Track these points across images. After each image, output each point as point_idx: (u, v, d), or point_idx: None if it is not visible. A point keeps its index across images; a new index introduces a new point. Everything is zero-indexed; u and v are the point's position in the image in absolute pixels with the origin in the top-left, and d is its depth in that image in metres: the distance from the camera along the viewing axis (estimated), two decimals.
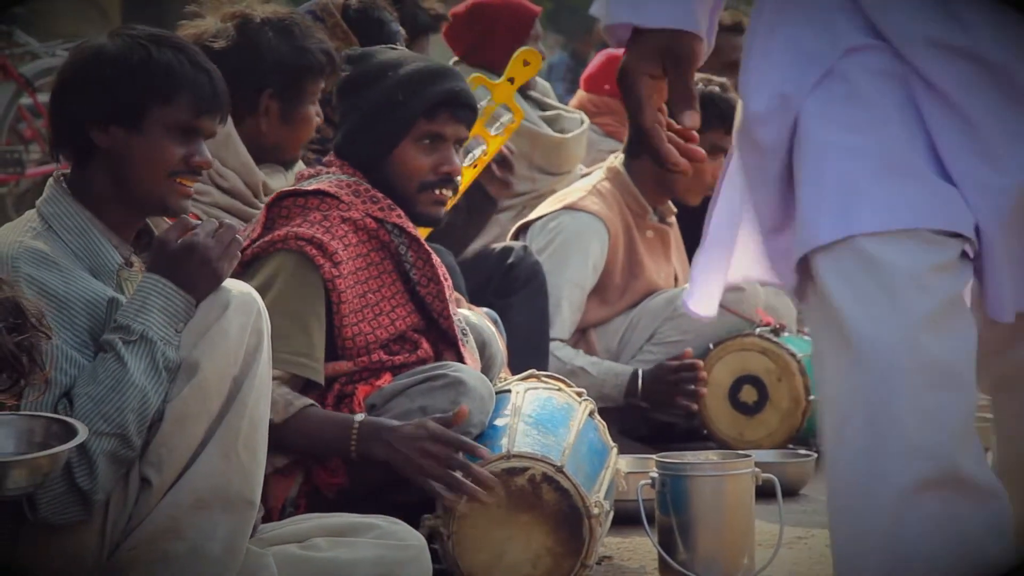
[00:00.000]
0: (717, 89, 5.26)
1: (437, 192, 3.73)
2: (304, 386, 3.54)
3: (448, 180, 3.74)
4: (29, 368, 2.66)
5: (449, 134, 3.72)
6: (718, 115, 5.12)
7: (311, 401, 3.50)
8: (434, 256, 3.72)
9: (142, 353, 2.90)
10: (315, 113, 4.00)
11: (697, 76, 5.29)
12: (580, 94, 7.18)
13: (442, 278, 3.70)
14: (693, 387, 5.05)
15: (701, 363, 5.07)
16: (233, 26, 3.96)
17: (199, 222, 3.05)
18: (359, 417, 3.48)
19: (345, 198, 3.64)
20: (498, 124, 4.87)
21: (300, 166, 4.10)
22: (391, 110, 3.69)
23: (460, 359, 3.67)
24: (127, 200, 3.09)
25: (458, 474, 3.36)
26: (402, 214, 3.68)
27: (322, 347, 3.55)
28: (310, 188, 3.66)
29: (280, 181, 4.00)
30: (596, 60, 7.19)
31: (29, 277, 2.91)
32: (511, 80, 4.75)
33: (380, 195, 3.68)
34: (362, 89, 3.74)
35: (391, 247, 3.67)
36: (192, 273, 2.97)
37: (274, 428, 3.15)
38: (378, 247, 3.66)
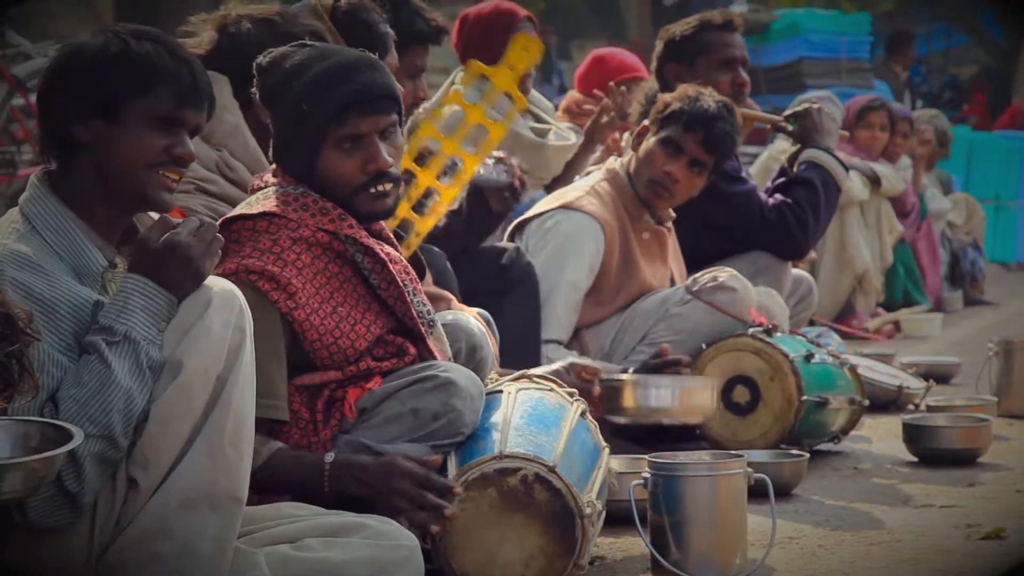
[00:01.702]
0: (712, 107, 5.25)
1: (373, 190, 3.61)
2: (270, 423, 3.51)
3: (381, 176, 3.60)
4: (19, 376, 2.66)
5: (367, 130, 3.58)
6: (704, 131, 5.17)
7: (279, 444, 3.48)
8: (390, 258, 3.63)
9: (126, 354, 2.89)
10: None
11: (696, 90, 5.32)
12: (570, 94, 7.19)
13: (400, 278, 3.63)
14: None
15: (686, 359, 5.06)
16: (214, 28, 3.97)
17: (180, 220, 3.04)
18: (329, 457, 3.45)
19: (293, 215, 3.56)
20: (496, 113, 4.86)
21: None
22: (300, 122, 3.57)
23: (428, 351, 3.65)
24: (109, 195, 3.09)
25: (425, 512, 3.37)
26: (354, 223, 3.60)
27: (283, 383, 3.50)
28: (256, 211, 3.57)
29: None
30: (585, 61, 7.19)
31: (15, 281, 2.90)
32: (511, 67, 4.72)
33: (329, 205, 3.59)
34: (272, 103, 3.63)
35: (347, 256, 3.60)
36: (174, 272, 2.97)
37: None
38: (334, 258, 3.60)
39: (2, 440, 2.59)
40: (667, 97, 5.36)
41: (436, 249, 4.90)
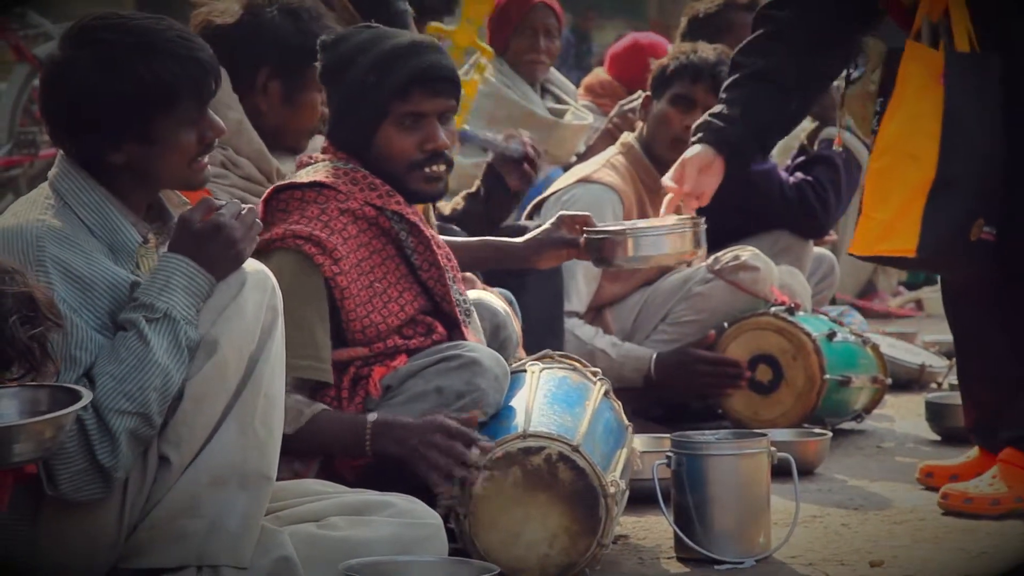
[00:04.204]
0: (711, 55, 5.26)
1: (428, 170, 3.66)
2: (314, 385, 3.53)
3: (437, 156, 3.66)
4: (41, 359, 2.67)
5: (428, 110, 3.64)
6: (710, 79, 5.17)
7: (322, 406, 3.50)
8: (434, 240, 3.68)
9: (165, 332, 2.90)
10: (321, 102, 3.91)
11: (690, 45, 5.33)
12: (597, 72, 7.15)
13: (443, 262, 3.67)
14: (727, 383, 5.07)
15: (743, 363, 5.06)
16: (240, 5, 3.95)
17: (223, 202, 3.04)
18: (372, 417, 3.48)
19: (343, 188, 3.60)
20: (467, 68, 4.83)
21: None
22: (364, 95, 3.62)
23: (463, 338, 3.66)
24: (148, 187, 3.10)
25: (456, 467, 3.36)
26: (401, 200, 3.65)
27: (328, 346, 3.53)
28: (307, 180, 3.62)
29: (292, 167, 3.98)
30: (623, 43, 7.11)
31: (55, 258, 2.91)
32: (469, 21, 4.70)
33: (378, 181, 3.63)
34: (336, 77, 3.66)
35: (392, 233, 3.64)
36: (216, 254, 2.98)
37: (288, 437, 3.16)
38: (379, 234, 3.64)
39: (10, 406, 2.61)
40: (662, 61, 5.38)
41: (458, 229, 4.90)
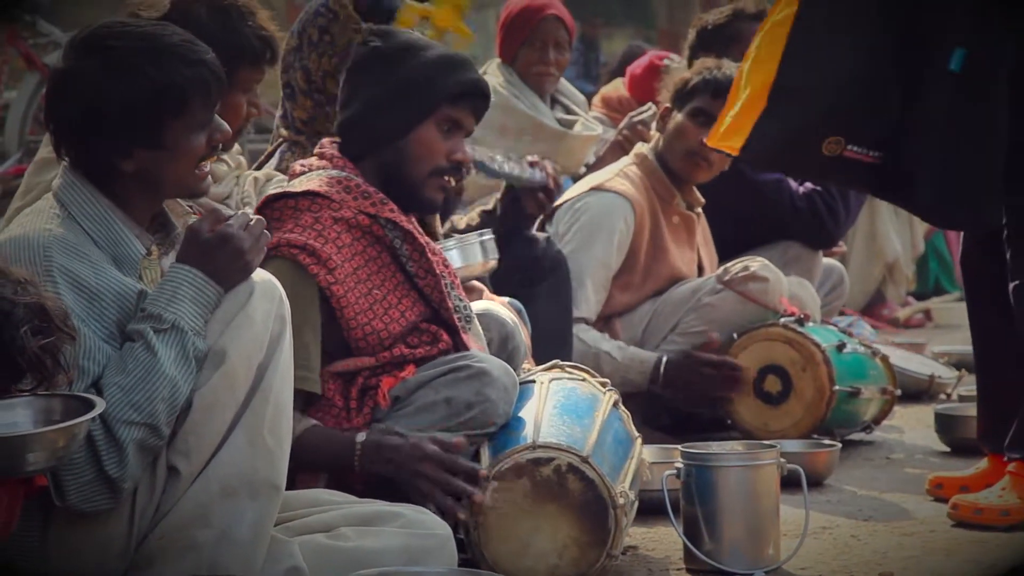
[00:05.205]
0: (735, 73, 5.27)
1: (446, 178, 3.73)
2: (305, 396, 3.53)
3: (458, 168, 3.75)
4: (53, 370, 2.67)
5: (466, 123, 3.74)
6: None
7: (313, 421, 3.51)
8: (429, 248, 3.69)
9: (173, 343, 2.91)
10: (246, 104, 3.86)
11: (715, 61, 5.34)
12: (618, 86, 7.14)
13: (439, 269, 3.68)
14: (727, 387, 5.07)
15: (744, 367, 5.06)
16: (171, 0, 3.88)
17: (232, 213, 3.05)
18: (360, 437, 3.48)
19: (336, 197, 3.62)
20: None
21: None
22: (418, 90, 3.69)
23: (464, 345, 3.67)
24: (154, 195, 3.10)
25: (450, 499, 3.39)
26: (395, 208, 3.66)
27: (317, 357, 3.54)
28: (300, 189, 3.63)
29: (222, 167, 3.96)
30: (641, 64, 7.10)
31: (62, 268, 2.91)
32: (452, 3, 4.71)
33: (371, 190, 3.65)
34: (388, 65, 3.71)
35: (386, 241, 3.65)
36: (224, 264, 2.98)
37: None
38: (373, 242, 3.65)
39: (24, 415, 2.62)
40: (686, 74, 5.38)
41: None
